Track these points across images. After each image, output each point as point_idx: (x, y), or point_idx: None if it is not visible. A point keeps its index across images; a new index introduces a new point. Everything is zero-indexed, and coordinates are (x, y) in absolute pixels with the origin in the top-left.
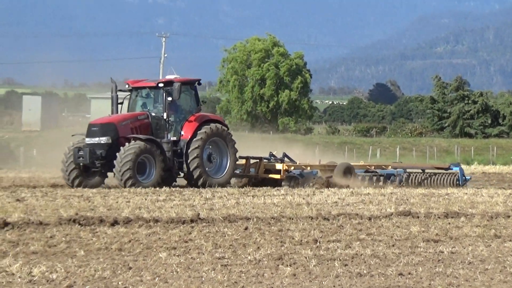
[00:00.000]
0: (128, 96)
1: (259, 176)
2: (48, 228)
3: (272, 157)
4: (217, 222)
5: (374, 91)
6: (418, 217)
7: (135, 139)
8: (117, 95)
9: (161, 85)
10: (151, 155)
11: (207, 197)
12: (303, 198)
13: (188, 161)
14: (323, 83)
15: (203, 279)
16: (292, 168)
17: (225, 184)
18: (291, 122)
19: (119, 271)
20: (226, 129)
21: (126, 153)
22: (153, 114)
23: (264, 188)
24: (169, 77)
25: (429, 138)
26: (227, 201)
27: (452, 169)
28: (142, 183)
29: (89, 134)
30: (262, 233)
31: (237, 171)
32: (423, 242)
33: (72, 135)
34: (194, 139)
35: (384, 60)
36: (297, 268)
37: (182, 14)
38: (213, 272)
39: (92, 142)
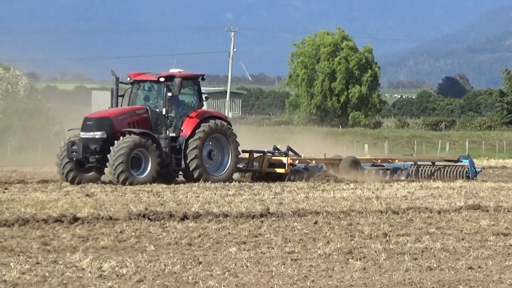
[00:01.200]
0: (130, 89)
1: (262, 170)
2: (117, 223)
3: (276, 151)
4: (286, 216)
5: (443, 85)
6: (487, 210)
7: (130, 133)
8: (117, 88)
9: (162, 79)
10: (146, 149)
11: (277, 191)
12: (373, 192)
13: (187, 161)
14: (392, 77)
15: (273, 273)
16: (297, 162)
17: (226, 181)
18: (361, 116)
19: (189, 266)
20: (228, 125)
21: (120, 147)
22: (153, 108)
23: (333, 183)
24: (173, 71)
25: (498, 131)
26: (296, 195)
27: (461, 161)
28: (136, 178)
29: (84, 128)
30: (331, 227)
31: (241, 166)
32: (492, 235)
33: (68, 130)
34: (193, 138)
35: (452, 54)
36: (367, 262)
37: (250, 9)
38: (283, 266)
39: (86, 136)
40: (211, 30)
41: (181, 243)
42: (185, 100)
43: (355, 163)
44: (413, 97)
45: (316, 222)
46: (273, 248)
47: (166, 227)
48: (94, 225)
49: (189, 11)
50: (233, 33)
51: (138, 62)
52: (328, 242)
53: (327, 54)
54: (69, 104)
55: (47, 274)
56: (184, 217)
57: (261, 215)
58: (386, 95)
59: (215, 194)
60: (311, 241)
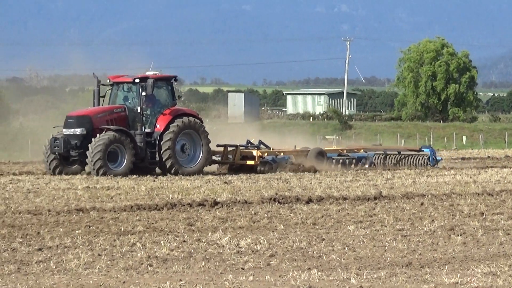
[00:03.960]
0: (110, 90)
1: (235, 162)
2: (252, 206)
3: (249, 144)
4: (397, 199)
5: None
6: None
7: (107, 130)
8: (98, 89)
9: (137, 80)
10: (122, 144)
11: (388, 177)
12: (470, 177)
13: (161, 152)
14: (485, 78)
15: (386, 248)
16: (266, 154)
17: (198, 172)
18: (460, 112)
19: (313, 242)
20: (199, 122)
21: (97, 143)
22: (131, 107)
23: (437, 169)
24: (149, 73)
25: None
26: (405, 180)
27: (423, 150)
28: (114, 171)
29: (66, 125)
30: (435, 208)
31: (217, 158)
32: None
33: (54, 127)
34: (167, 131)
35: None
36: (466, 237)
37: (363, 21)
38: (394, 241)
39: (68, 132)
40: (330, 39)
41: (307, 222)
42: (160, 99)
43: (321, 154)
44: (504, 95)
45: (422, 204)
46: (386, 226)
47: (294, 209)
48: (232, 208)
49: (311, 24)
50: (348, 42)
51: (269, 68)
52: (432, 220)
53: (429, 59)
54: (208, 104)
55: (192, 250)
56: (309, 200)
57: (375, 198)
58: (481, 93)
59: (335, 180)
60: (418, 220)
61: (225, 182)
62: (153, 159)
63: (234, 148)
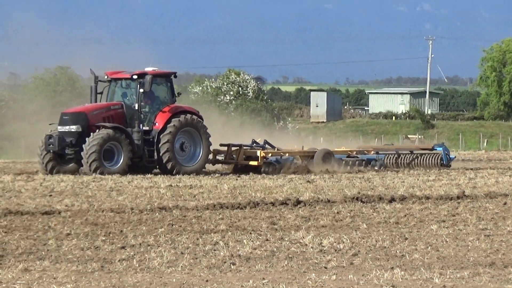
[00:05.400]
0: (107, 87)
1: (238, 162)
2: (335, 205)
3: (254, 144)
4: (479, 198)
5: None
6: None
7: (103, 127)
8: (96, 86)
9: (135, 77)
10: (118, 142)
11: (471, 177)
12: None
13: (160, 154)
14: None
15: (469, 247)
16: (270, 155)
17: (197, 171)
18: None
19: (396, 241)
20: (199, 119)
21: (92, 142)
22: (129, 104)
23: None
24: (148, 69)
25: None
26: (488, 180)
27: (436, 149)
28: (109, 169)
29: (61, 122)
30: None
31: (221, 158)
32: None
33: (50, 124)
34: (165, 132)
35: None
36: None
37: (445, 20)
38: (477, 241)
39: (63, 130)
40: (412, 39)
41: (389, 221)
42: (159, 96)
43: (328, 155)
44: None
45: (505, 203)
46: (469, 226)
47: (376, 208)
48: (315, 207)
49: (393, 23)
50: (431, 41)
51: (351, 67)
52: None
53: None
54: (291, 103)
55: (275, 249)
56: (392, 200)
57: (458, 197)
58: None
59: (418, 180)
60: (501, 220)
61: (308, 181)
62: (151, 157)
63: (238, 147)
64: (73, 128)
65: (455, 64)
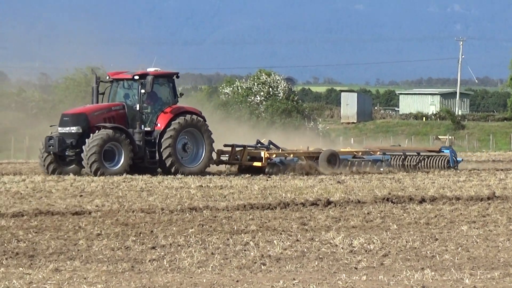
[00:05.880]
0: (109, 87)
1: (242, 163)
2: (365, 206)
3: (259, 145)
4: (510, 199)
5: None
6: None
7: (103, 127)
8: (97, 86)
9: (136, 77)
10: (118, 143)
11: (501, 177)
12: None
13: (161, 150)
14: None
15: (500, 248)
16: (274, 155)
17: (200, 172)
18: None
19: (427, 242)
20: (202, 120)
21: (91, 143)
22: (130, 105)
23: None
24: (150, 69)
25: None
26: None
27: (443, 151)
28: (110, 170)
29: (61, 123)
30: None
31: (225, 158)
32: None
33: (51, 126)
34: (168, 129)
35: None
36: None
37: (476, 21)
38: (507, 242)
39: (63, 131)
40: (443, 39)
41: (420, 222)
42: (161, 97)
43: (334, 156)
44: None
45: None
46: (499, 226)
47: (407, 209)
48: (345, 207)
49: (424, 23)
50: (461, 42)
51: (381, 68)
52: None
53: None
54: (321, 104)
55: (305, 250)
56: (422, 200)
57: (488, 198)
58: None
59: (448, 180)
60: None
61: (338, 182)
62: (153, 158)
63: (242, 148)
64: (73, 129)
65: (485, 65)
